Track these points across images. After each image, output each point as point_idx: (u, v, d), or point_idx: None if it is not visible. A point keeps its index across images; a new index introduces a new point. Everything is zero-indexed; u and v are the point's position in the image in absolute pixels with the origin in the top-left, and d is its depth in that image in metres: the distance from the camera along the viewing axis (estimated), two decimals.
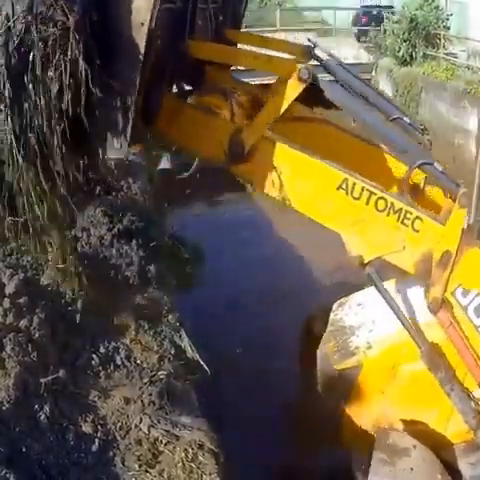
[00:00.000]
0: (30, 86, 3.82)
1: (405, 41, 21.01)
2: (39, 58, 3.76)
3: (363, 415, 5.46)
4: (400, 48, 21.11)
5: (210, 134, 4.82)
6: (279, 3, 30.11)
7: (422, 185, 5.26)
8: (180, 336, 5.45)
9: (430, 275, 4.54)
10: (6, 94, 3.83)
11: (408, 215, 4.45)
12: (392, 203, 4.46)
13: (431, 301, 4.58)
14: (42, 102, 3.86)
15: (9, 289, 4.93)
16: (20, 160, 4.03)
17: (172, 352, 5.20)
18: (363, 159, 5.29)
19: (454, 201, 4.53)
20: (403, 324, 4.77)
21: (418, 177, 5.17)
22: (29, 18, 3.71)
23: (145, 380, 4.75)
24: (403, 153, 4.86)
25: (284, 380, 7.54)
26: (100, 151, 4.28)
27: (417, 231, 4.49)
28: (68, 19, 3.72)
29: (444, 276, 4.50)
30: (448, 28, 21.69)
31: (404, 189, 4.58)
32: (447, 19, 21.62)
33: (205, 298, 8.66)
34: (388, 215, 4.48)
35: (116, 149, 4.20)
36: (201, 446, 4.32)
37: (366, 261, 4.67)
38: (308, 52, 5.63)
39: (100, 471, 3.97)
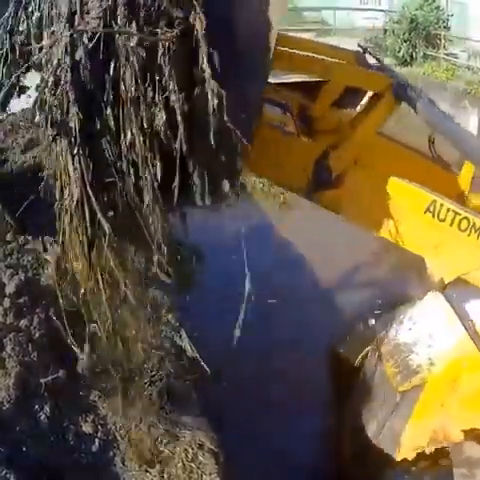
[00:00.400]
0: (112, 112, 2.62)
1: (405, 41, 21.01)
2: (132, 72, 2.56)
3: (420, 430, 5.45)
4: (400, 48, 21.10)
5: (292, 158, 4.39)
6: None
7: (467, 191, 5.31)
8: (180, 336, 5.45)
9: None
10: (73, 125, 2.62)
11: None
12: (474, 222, 4.56)
13: None
14: (131, 137, 2.68)
15: (9, 289, 4.92)
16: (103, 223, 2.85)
17: (172, 352, 5.20)
18: (421, 173, 5.17)
19: None
20: (473, 340, 4.87)
21: (466, 183, 5.25)
22: (125, 12, 2.46)
23: (145, 380, 4.74)
24: None
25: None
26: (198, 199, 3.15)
27: None
28: (192, 18, 2.60)
29: None
30: (448, 28, 21.69)
31: None
32: (447, 19, 21.62)
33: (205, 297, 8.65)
34: (469, 235, 4.55)
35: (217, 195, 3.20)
36: (201, 446, 4.32)
37: (446, 282, 4.84)
38: (362, 58, 5.09)
39: (100, 471, 3.97)
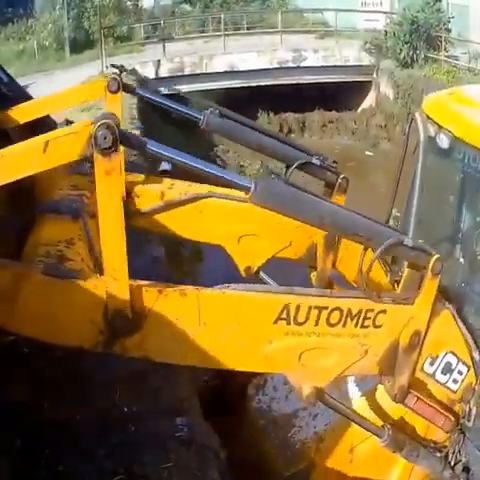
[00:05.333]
0: None
1: (406, 43, 21.03)
2: None
3: None
4: (401, 50, 21.12)
5: (72, 313, 3.01)
6: (281, 5, 30.16)
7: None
8: None
9: (394, 366, 3.75)
10: None
11: (368, 314, 3.50)
12: (349, 309, 3.46)
13: (397, 391, 3.82)
14: None
15: None
16: None
17: None
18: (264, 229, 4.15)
19: (419, 269, 3.65)
20: (360, 425, 3.97)
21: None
22: None
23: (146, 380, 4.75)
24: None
25: None
26: None
27: (379, 326, 3.57)
28: None
29: (412, 359, 3.78)
30: (449, 31, 21.71)
31: (363, 282, 3.48)
32: (448, 22, 21.63)
33: None
34: (344, 325, 3.46)
35: None
36: (201, 446, 4.32)
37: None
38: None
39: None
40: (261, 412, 5.15)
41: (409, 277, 3.72)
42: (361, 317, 3.47)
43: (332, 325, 3.40)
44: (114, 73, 3.93)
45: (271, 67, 22.15)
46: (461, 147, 4.47)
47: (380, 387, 4.05)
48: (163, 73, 21.31)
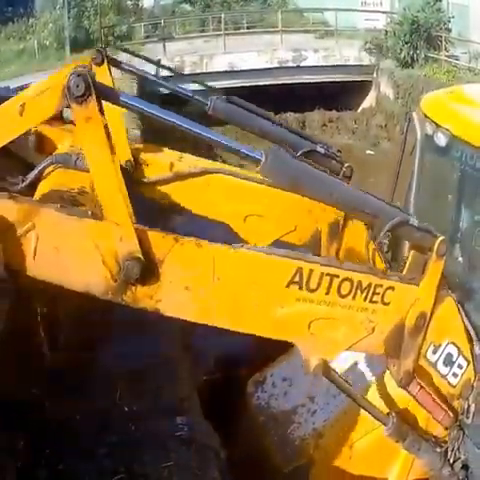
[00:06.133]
0: None
1: (407, 43, 21.02)
2: None
3: None
4: (401, 50, 21.11)
5: (83, 253, 2.91)
6: (281, 5, 30.14)
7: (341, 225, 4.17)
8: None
9: (400, 347, 3.78)
10: None
11: (378, 289, 3.54)
12: (359, 281, 3.48)
13: (402, 376, 3.86)
14: None
15: None
16: None
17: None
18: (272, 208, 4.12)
19: (424, 251, 3.73)
20: (365, 408, 3.97)
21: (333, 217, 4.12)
22: None
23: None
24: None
25: None
26: None
27: (388, 304, 3.62)
28: None
29: (417, 342, 3.81)
30: (450, 30, 21.70)
31: (370, 257, 3.67)
32: (449, 21, 21.62)
33: None
34: (354, 297, 3.49)
35: None
36: (201, 446, 4.32)
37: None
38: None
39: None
40: (260, 409, 5.14)
41: (414, 259, 3.79)
42: (370, 291, 3.51)
43: (342, 296, 3.43)
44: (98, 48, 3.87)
45: (271, 67, 22.15)
46: (459, 145, 4.48)
47: (386, 375, 4.08)
48: (163, 73, 21.26)
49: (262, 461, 4.86)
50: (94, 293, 2.95)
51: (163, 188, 3.98)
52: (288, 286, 3.27)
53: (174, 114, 3.51)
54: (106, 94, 2.84)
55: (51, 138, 3.72)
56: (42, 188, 3.29)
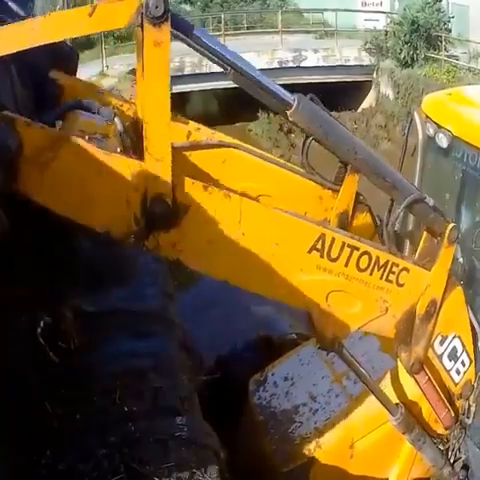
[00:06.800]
0: None
1: (407, 43, 21.05)
2: None
3: None
4: (401, 50, 21.14)
5: (110, 186, 2.78)
6: (281, 5, 30.15)
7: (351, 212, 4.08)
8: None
9: (410, 334, 3.80)
10: None
11: (394, 268, 3.55)
12: (377, 257, 3.49)
13: (413, 361, 3.86)
14: None
15: None
16: None
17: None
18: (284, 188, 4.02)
19: (435, 235, 3.75)
20: (376, 395, 4.02)
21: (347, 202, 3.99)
22: None
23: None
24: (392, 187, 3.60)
25: None
26: None
27: (402, 285, 3.62)
28: None
29: (429, 329, 3.82)
30: (449, 30, 21.74)
31: (388, 235, 3.61)
32: (448, 21, 21.67)
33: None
34: (371, 274, 3.49)
35: None
36: (201, 446, 4.31)
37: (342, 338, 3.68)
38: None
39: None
40: (261, 408, 5.13)
41: (426, 244, 3.84)
42: (387, 269, 3.53)
43: (360, 269, 3.45)
44: None
45: (271, 67, 22.14)
46: (460, 146, 4.48)
47: (393, 370, 4.16)
48: None
49: (262, 460, 4.86)
50: (115, 235, 2.83)
51: (178, 156, 3.89)
52: (310, 252, 3.27)
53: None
54: (180, 24, 2.87)
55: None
56: (64, 128, 3.07)
